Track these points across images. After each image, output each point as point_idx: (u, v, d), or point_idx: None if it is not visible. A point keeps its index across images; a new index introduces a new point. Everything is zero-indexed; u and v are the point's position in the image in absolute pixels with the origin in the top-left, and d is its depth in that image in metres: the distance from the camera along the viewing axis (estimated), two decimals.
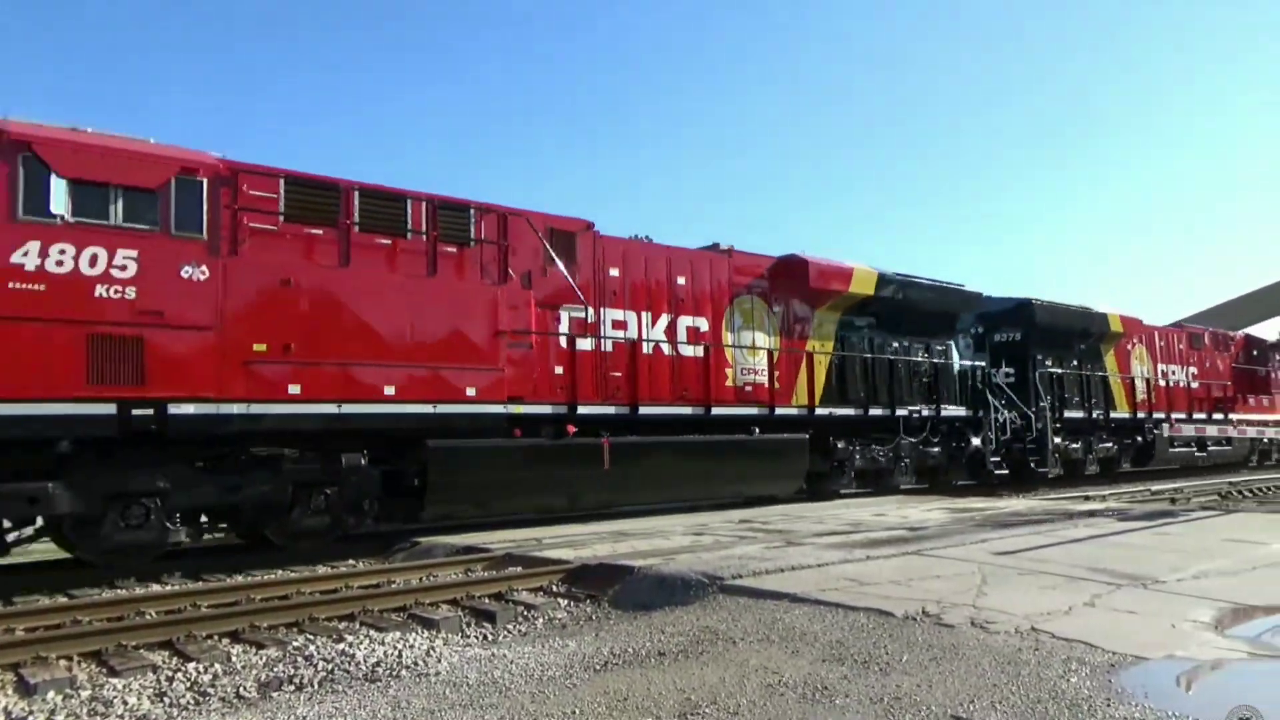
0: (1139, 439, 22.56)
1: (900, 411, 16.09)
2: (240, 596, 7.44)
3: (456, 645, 5.68)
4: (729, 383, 13.86)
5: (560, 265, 12.07)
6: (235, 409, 9.17)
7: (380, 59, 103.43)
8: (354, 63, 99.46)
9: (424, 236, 10.85)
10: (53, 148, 8.48)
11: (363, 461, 10.34)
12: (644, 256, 13.33)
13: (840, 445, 15.30)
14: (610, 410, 12.47)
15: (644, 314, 13.14)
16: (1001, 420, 18.18)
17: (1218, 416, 25.27)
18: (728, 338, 14.03)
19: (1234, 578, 7.00)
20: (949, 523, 10.77)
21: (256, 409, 9.29)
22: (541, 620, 6.52)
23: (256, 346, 9.32)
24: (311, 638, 5.87)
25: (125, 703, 4.61)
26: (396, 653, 5.26)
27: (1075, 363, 20.90)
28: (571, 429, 11.91)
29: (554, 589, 7.55)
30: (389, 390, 10.16)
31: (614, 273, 12.89)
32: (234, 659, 5.44)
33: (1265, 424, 26.02)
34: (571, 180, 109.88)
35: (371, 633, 6.07)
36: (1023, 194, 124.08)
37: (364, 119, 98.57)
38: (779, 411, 14.24)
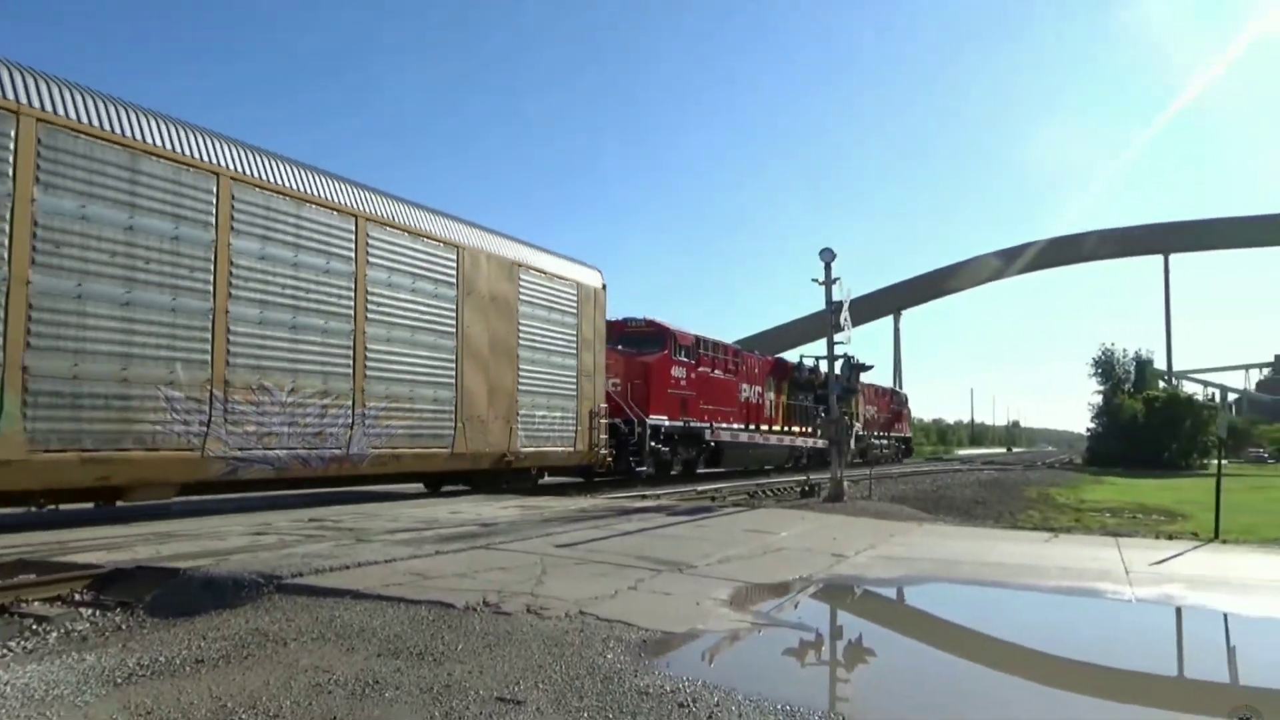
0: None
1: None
2: None
3: None
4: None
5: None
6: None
7: None
8: None
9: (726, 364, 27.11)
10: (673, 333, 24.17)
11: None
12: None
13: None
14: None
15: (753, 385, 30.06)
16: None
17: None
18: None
19: (751, 561, 8.09)
20: (520, 520, 11.18)
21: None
22: (55, 634, 5.62)
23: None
24: None
25: None
26: None
27: None
28: None
29: (78, 597, 6.55)
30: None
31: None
32: None
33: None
34: None
35: None
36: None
37: None
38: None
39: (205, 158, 11.52)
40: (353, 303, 13.41)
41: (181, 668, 4.49)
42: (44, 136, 9.89)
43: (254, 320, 11.91)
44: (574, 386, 18.66)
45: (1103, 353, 76.69)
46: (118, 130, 10.66)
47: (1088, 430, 78.50)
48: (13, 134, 9.60)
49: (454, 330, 15.37)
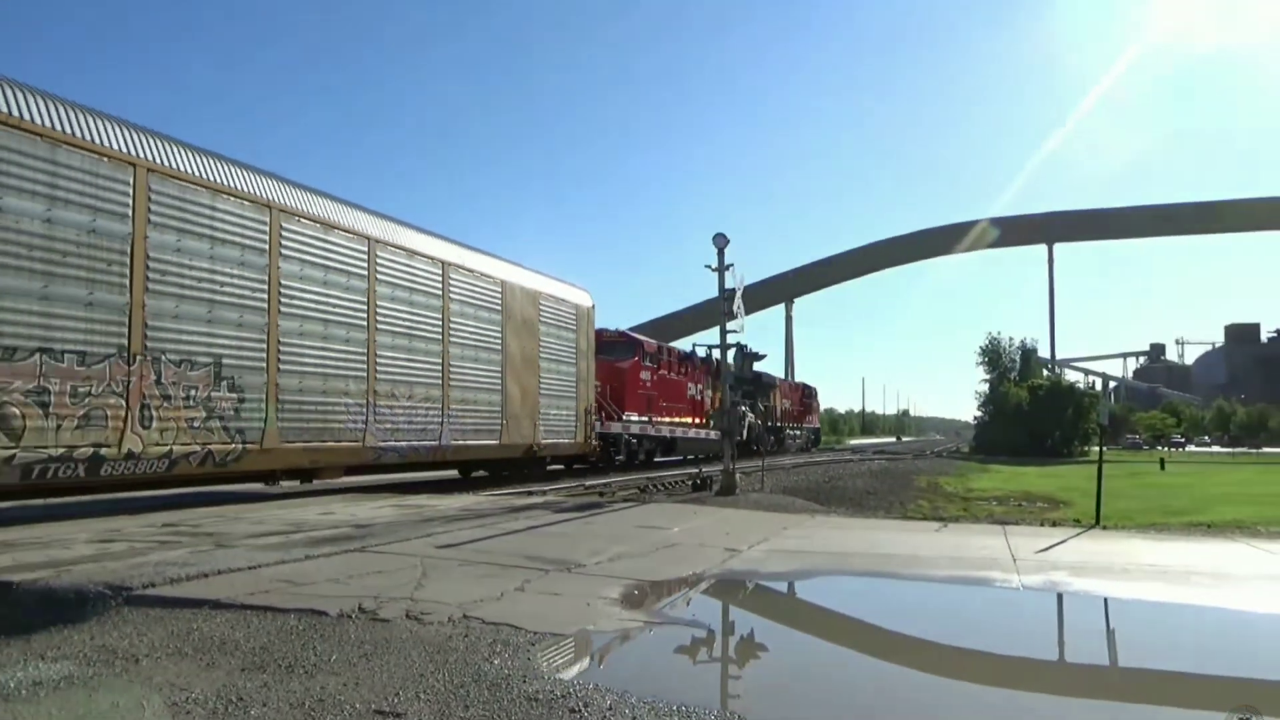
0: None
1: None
2: None
3: None
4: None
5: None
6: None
7: None
8: None
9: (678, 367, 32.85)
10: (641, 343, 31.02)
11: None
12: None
13: None
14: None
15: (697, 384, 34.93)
16: None
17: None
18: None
19: (642, 558, 8.16)
20: (398, 520, 10.96)
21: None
22: None
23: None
24: None
25: None
26: None
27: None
28: None
29: None
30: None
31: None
32: None
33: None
34: None
35: None
36: None
37: None
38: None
39: (358, 227, 16.49)
40: (441, 331, 18.52)
41: (17, 692, 4.22)
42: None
43: (389, 347, 16.99)
44: (574, 389, 23.99)
45: (990, 341, 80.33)
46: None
47: (975, 419, 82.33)
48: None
49: (499, 347, 20.59)
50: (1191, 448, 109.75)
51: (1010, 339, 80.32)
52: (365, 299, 16.34)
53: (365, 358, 16.22)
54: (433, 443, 17.75)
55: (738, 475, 16.26)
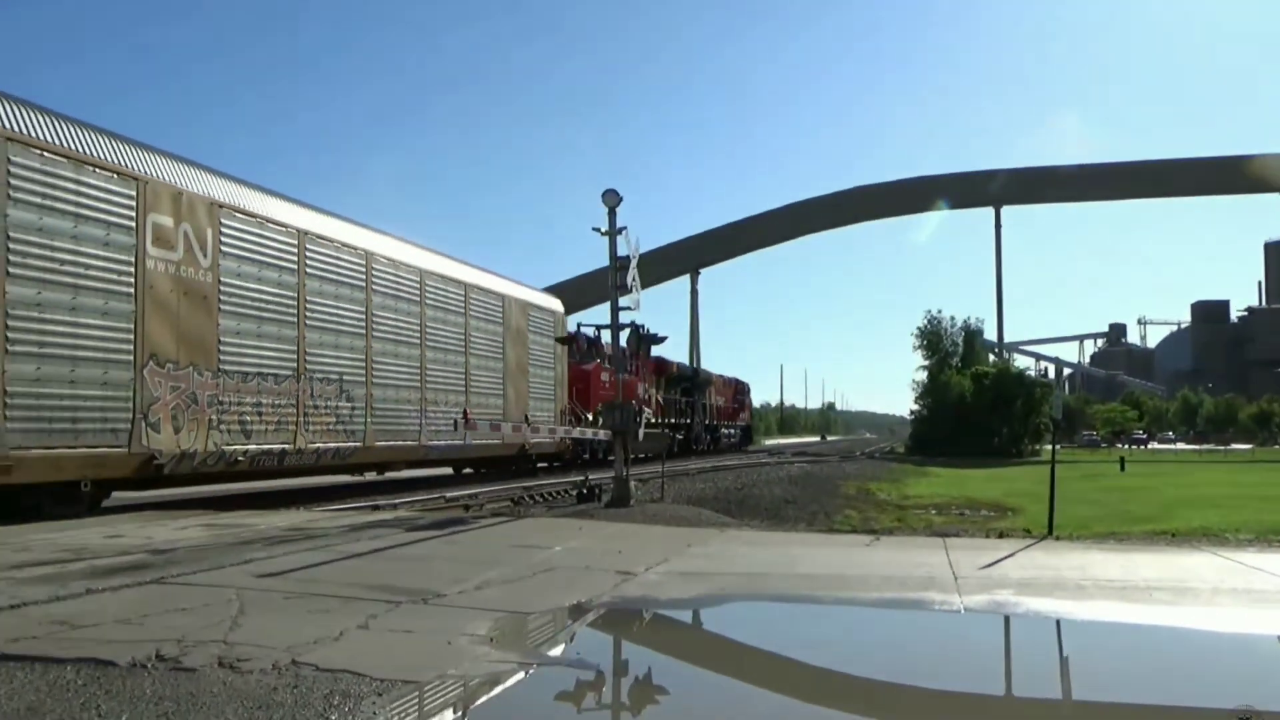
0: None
1: None
2: None
3: None
4: None
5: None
6: None
7: None
8: None
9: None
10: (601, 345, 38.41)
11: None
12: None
13: None
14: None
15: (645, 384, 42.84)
16: None
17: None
18: None
19: (516, 584, 8.13)
20: (209, 543, 10.65)
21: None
22: None
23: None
24: None
25: None
26: None
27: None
28: None
29: None
30: None
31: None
32: None
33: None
34: None
35: None
36: None
37: None
38: None
39: (411, 261, 24.56)
40: (464, 344, 26.47)
41: None
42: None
43: (434, 361, 24.84)
44: (554, 391, 32.13)
45: (929, 321, 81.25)
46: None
47: (911, 413, 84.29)
48: None
49: (501, 356, 28.50)
50: (1154, 445, 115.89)
51: (952, 319, 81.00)
52: (418, 321, 24.18)
53: (419, 371, 24.02)
54: (458, 440, 24.25)
55: (633, 483, 16.36)
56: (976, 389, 70.29)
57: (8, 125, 13.76)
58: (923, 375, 79.41)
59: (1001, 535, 13.37)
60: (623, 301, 15.89)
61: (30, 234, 13.96)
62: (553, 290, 46.64)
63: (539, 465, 32.46)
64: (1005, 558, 10.29)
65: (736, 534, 13.04)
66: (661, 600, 7.99)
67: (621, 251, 15.54)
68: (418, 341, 23.96)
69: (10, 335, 13.62)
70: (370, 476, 24.18)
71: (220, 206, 17.40)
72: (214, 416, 16.94)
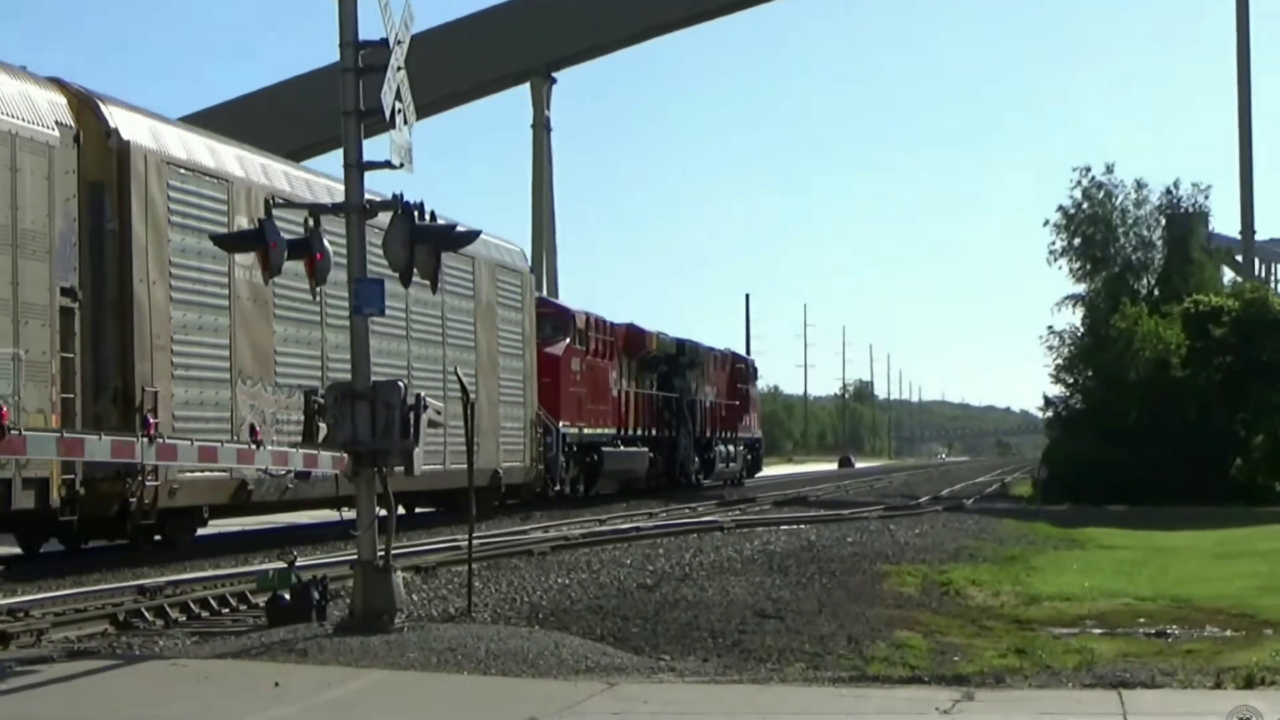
0: None
1: None
2: None
3: None
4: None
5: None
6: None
7: None
8: None
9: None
10: (573, 318, 30.52)
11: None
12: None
13: None
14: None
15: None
16: None
17: None
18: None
19: None
20: None
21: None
22: None
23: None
24: None
25: None
26: None
27: None
28: None
29: None
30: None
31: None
32: None
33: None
34: None
35: None
36: None
37: None
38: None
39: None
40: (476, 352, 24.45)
41: None
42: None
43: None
44: (523, 392, 24.90)
45: (1087, 189, 41.68)
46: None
47: (1049, 406, 43.90)
48: None
49: (473, 345, 23.37)
50: None
51: (1139, 184, 42.30)
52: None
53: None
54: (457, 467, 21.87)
55: (400, 574, 8.77)
56: (1201, 345, 35.25)
57: (159, 146, 14.16)
58: (1074, 315, 41.01)
59: (1250, 680, 6.66)
60: (374, 153, 8.23)
61: (189, 257, 14.39)
62: (197, 120, 28.82)
63: (508, 501, 24.74)
64: None
65: (639, 694, 6.41)
66: None
67: (372, 30, 7.87)
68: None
69: (175, 360, 14.14)
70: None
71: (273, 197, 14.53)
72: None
